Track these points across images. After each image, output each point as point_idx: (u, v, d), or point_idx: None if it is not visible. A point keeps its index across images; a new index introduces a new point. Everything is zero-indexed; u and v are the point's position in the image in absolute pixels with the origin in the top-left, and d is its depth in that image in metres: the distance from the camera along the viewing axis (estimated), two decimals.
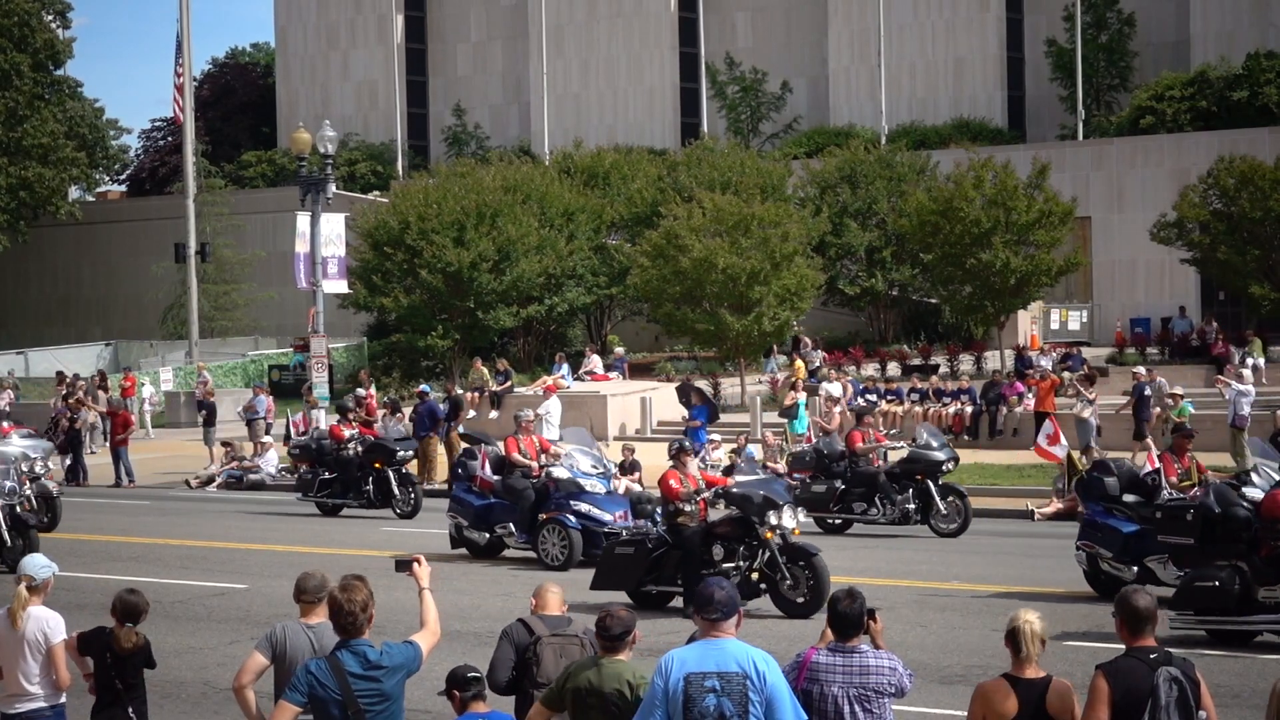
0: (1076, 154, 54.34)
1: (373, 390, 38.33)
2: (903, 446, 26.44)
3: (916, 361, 44.50)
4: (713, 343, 42.88)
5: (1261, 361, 39.73)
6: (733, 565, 17.93)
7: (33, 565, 10.36)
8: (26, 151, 60.16)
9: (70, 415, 37.75)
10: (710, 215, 42.28)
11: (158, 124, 77.28)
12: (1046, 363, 39.24)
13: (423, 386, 37.59)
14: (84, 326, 66.46)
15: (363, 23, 72.75)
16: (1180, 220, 43.69)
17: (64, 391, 41.67)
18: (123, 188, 76.71)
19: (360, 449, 29.22)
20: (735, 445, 32.06)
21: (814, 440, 29.09)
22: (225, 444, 37.40)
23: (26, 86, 60.55)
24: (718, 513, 18.79)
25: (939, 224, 43.00)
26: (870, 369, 44.23)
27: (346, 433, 29.66)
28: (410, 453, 29.68)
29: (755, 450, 31.47)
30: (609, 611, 8.47)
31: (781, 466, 30.60)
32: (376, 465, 28.76)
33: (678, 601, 18.14)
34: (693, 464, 18.99)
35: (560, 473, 22.28)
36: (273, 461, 36.43)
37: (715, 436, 33.49)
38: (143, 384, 47.28)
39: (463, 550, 22.94)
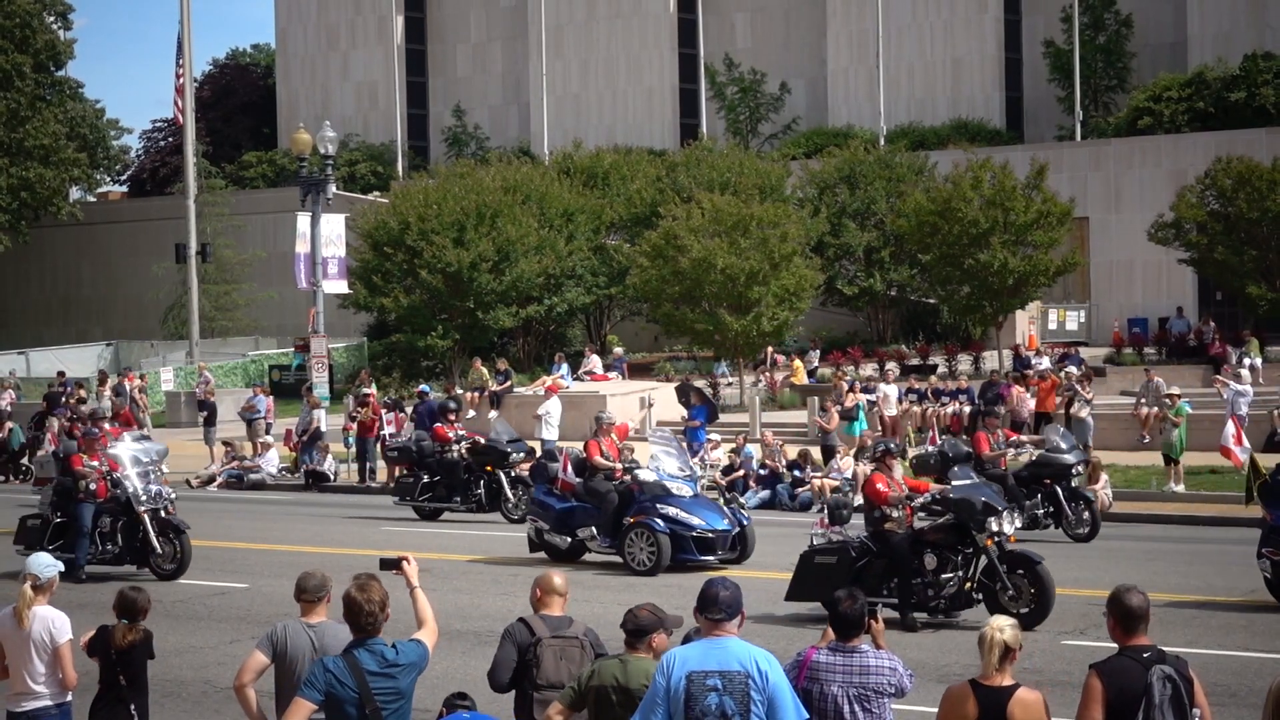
0: (1074, 155, 54.41)
1: (373, 390, 38.33)
2: (1028, 450, 25.58)
3: (915, 362, 44.57)
4: (712, 343, 42.94)
5: (1259, 361, 39.82)
6: (950, 575, 16.99)
7: (38, 564, 10.42)
8: (28, 152, 60.23)
9: (71, 415, 37.80)
10: (709, 216, 42.34)
11: (158, 124, 77.39)
12: (1046, 363, 39.30)
13: (423, 386, 37.64)
14: (85, 327, 66.52)
15: (363, 23, 72.81)
16: (1178, 221, 43.77)
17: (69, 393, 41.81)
18: (123, 188, 76.75)
19: (466, 450, 28.06)
20: (735, 445, 32.15)
21: (939, 442, 28.58)
22: (226, 444, 37.47)
23: (28, 87, 60.63)
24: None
25: (937, 224, 43.08)
26: (869, 369, 44.28)
27: (451, 434, 28.34)
28: (522, 455, 28.20)
29: (754, 450, 31.52)
30: (636, 610, 8.50)
31: (781, 465, 30.69)
32: (488, 468, 27.59)
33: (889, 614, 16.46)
34: (898, 467, 18.12)
35: (646, 475, 21.60)
36: (273, 461, 36.49)
37: (714, 436, 33.57)
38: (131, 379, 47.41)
39: (541, 554, 22.23)
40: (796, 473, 30.35)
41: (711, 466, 32.03)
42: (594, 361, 44.25)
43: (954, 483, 17.56)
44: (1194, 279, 49.38)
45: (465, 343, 47.76)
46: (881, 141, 57.15)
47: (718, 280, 40.94)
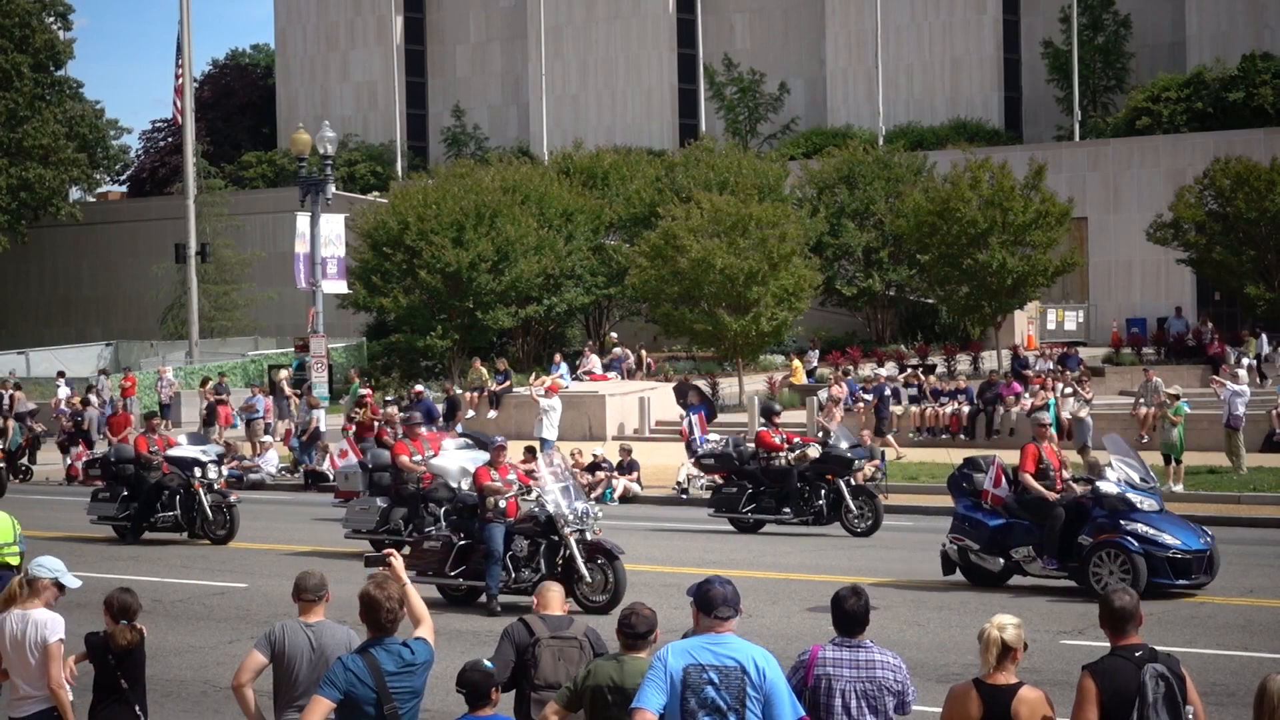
0: (1073, 155, 54.44)
1: (370, 390, 38.33)
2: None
3: (914, 362, 44.61)
4: (711, 343, 42.95)
5: (1256, 361, 39.89)
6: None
7: (43, 566, 10.41)
8: (27, 152, 60.22)
9: (72, 414, 37.88)
10: (708, 216, 42.35)
11: (158, 125, 77.42)
12: (1046, 364, 39.32)
13: (418, 386, 37.62)
14: (84, 327, 66.52)
15: (362, 24, 72.81)
16: (1176, 221, 43.80)
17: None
18: (123, 188, 76.74)
19: (794, 457, 25.58)
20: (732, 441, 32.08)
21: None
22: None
23: (27, 87, 60.62)
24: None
25: (936, 224, 43.09)
26: (868, 369, 44.28)
27: (776, 439, 26.00)
28: (862, 462, 26.26)
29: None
30: (633, 610, 8.50)
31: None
32: (829, 477, 25.10)
33: None
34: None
35: (1108, 487, 18.90)
36: (272, 461, 36.50)
37: (714, 436, 33.54)
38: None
39: (958, 577, 19.78)
40: None
41: None
42: (593, 361, 44.26)
43: None
44: (1192, 279, 49.41)
45: (464, 343, 47.76)
46: (880, 141, 57.17)
47: (717, 280, 40.94)
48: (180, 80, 55.37)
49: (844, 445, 25.49)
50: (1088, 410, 32.22)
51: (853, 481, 25.27)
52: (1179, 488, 28.66)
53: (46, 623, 10.13)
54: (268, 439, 37.54)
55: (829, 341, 48.06)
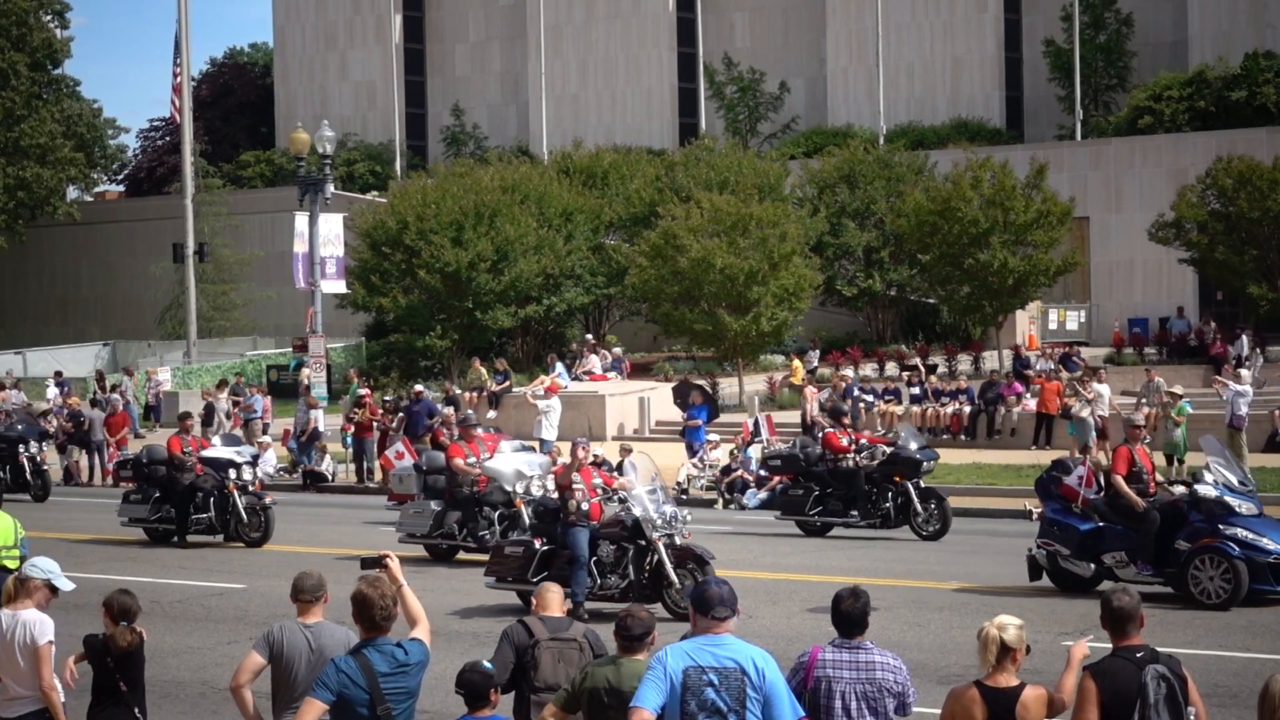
0: (1074, 154, 54.37)
1: (368, 390, 38.24)
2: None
3: (914, 362, 44.54)
4: (711, 343, 42.89)
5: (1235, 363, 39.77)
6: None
7: (38, 568, 10.36)
8: (24, 151, 60.17)
9: (70, 415, 37.76)
10: (708, 215, 42.29)
11: (156, 124, 77.41)
12: (1049, 365, 39.24)
13: (417, 386, 37.53)
14: (82, 326, 66.46)
15: (361, 23, 72.76)
16: (1178, 220, 43.75)
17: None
18: (120, 188, 76.73)
19: (860, 460, 24.90)
20: (734, 445, 32.10)
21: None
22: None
23: (24, 86, 60.57)
24: None
25: (937, 224, 43.04)
26: (868, 369, 44.25)
27: (844, 440, 25.25)
28: (932, 464, 25.57)
29: (754, 451, 31.45)
30: (630, 612, 8.45)
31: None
32: (896, 479, 24.49)
33: None
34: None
35: (1206, 490, 18.35)
36: (270, 461, 36.39)
37: (714, 436, 33.51)
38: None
39: (1044, 582, 19.16)
40: None
41: (710, 466, 32.01)
42: (593, 361, 44.19)
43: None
44: (1194, 279, 49.35)
45: (464, 343, 47.70)
46: (881, 141, 57.10)
47: (717, 280, 40.89)
48: (178, 79, 55.31)
49: (913, 446, 24.84)
50: (1089, 410, 32.14)
51: (920, 484, 24.63)
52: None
53: (36, 624, 10.09)
54: (266, 439, 37.45)
55: (829, 341, 48.00)
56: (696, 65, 68.26)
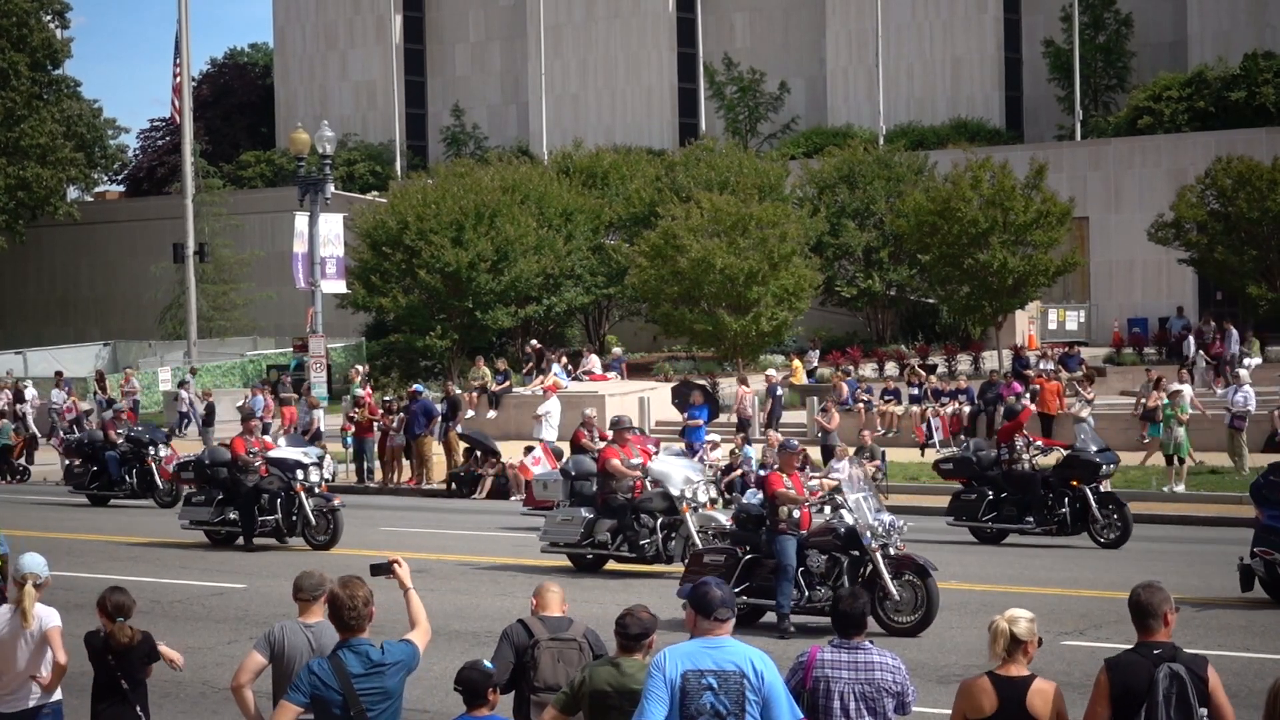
0: (1074, 154, 54.38)
1: (369, 389, 38.23)
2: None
3: (914, 362, 44.56)
4: (711, 343, 42.90)
5: (1259, 360, 39.80)
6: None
7: (35, 564, 10.38)
8: (24, 151, 60.15)
9: (73, 416, 37.80)
10: (708, 215, 42.30)
11: (156, 124, 77.42)
12: (1048, 365, 39.24)
13: (416, 385, 37.50)
14: (82, 326, 66.45)
15: (361, 23, 72.77)
16: (1178, 220, 43.75)
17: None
18: (121, 188, 76.70)
19: (1034, 463, 24.05)
20: (734, 445, 32.07)
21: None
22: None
23: (24, 86, 60.55)
24: None
25: (937, 224, 43.04)
26: (868, 369, 44.26)
27: (1018, 442, 24.23)
28: (1112, 467, 24.59)
29: (753, 451, 31.44)
30: (629, 612, 8.44)
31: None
32: (1073, 483, 23.41)
33: None
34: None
35: None
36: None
37: (714, 436, 33.49)
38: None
39: (1257, 592, 18.24)
40: None
41: (711, 466, 31.95)
42: (592, 361, 44.18)
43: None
44: (1194, 279, 49.36)
45: (464, 343, 47.69)
46: (881, 141, 57.12)
47: (717, 280, 40.90)
48: (178, 79, 55.30)
49: (1092, 449, 23.69)
50: (1089, 410, 32.13)
51: (1100, 488, 23.70)
52: (1180, 488, 28.63)
53: (44, 616, 10.12)
54: (267, 439, 37.36)
55: (829, 341, 48.01)
56: (696, 65, 68.27)
